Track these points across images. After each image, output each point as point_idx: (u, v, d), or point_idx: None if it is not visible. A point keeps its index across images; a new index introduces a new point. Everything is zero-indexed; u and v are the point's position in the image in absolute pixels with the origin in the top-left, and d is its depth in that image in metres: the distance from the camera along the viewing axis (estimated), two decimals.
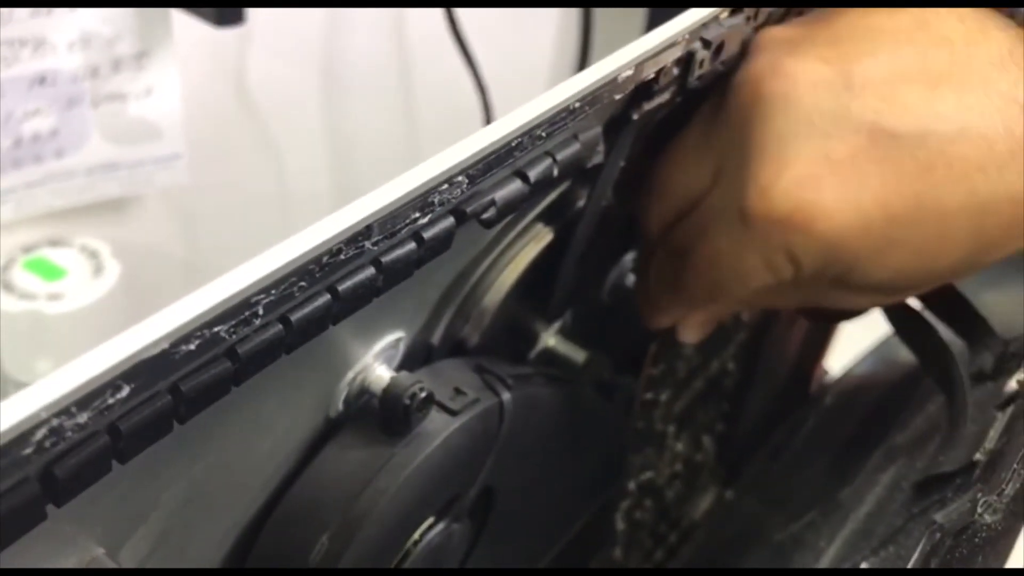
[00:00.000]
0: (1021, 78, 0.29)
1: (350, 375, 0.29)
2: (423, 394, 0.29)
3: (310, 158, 0.69)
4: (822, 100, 0.30)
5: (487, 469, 0.32)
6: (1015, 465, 0.26)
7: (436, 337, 0.32)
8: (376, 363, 0.29)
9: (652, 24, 0.75)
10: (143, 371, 0.17)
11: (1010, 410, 0.30)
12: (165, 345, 0.17)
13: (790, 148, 0.30)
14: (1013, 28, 0.31)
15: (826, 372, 0.58)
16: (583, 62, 0.75)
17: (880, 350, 0.62)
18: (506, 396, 0.32)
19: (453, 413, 0.30)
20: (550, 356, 0.38)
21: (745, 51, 0.32)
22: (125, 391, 0.17)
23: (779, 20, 0.33)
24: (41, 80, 0.54)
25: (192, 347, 0.18)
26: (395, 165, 0.78)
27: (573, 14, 0.75)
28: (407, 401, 0.28)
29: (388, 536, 0.30)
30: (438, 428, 0.30)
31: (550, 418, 0.35)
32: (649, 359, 0.41)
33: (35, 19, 0.52)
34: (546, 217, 0.32)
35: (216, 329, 0.18)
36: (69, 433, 0.16)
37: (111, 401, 0.17)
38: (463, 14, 0.67)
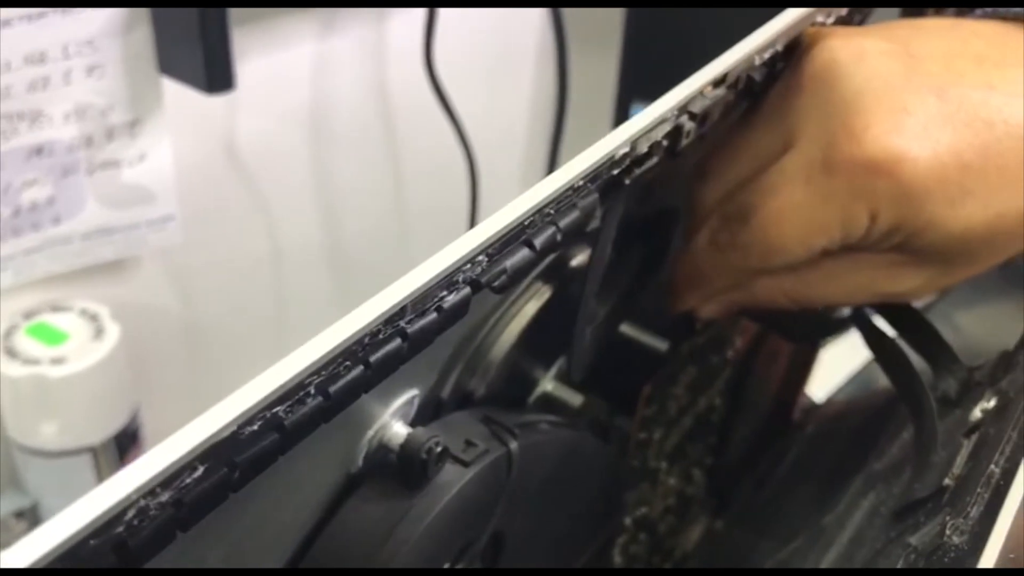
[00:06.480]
0: None
1: (370, 433, 0.30)
2: (439, 448, 0.30)
3: (299, 214, 0.71)
4: (892, 64, 0.34)
5: (497, 515, 0.34)
6: (978, 489, 0.28)
7: (446, 391, 0.34)
8: (393, 420, 0.31)
9: (627, 56, 0.78)
10: (215, 452, 0.19)
11: (974, 438, 0.32)
12: (234, 428, 0.19)
13: (873, 101, 0.33)
14: None
15: (809, 398, 0.59)
16: (560, 120, 0.77)
17: (859, 377, 0.64)
18: (513, 445, 0.33)
19: (466, 464, 0.32)
20: (548, 400, 0.40)
21: (803, 42, 0.36)
22: (200, 470, 0.19)
23: (760, 89, 0.35)
24: (38, 151, 0.56)
25: (256, 427, 0.20)
26: (382, 219, 0.80)
27: (549, 63, 0.78)
28: (424, 456, 0.30)
29: None
30: (453, 479, 0.31)
31: (553, 462, 0.37)
32: (643, 400, 0.43)
33: (32, 94, 0.54)
34: (544, 276, 0.35)
35: (276, 410, 0.20)
36: (153, 511, 0.18)
37: (188, 481, 0.19)
38: (442, 67, 0.69)
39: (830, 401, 0.60)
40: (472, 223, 0.74)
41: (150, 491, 0.18)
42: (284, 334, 0.73)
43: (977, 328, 0.66)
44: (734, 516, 0.56)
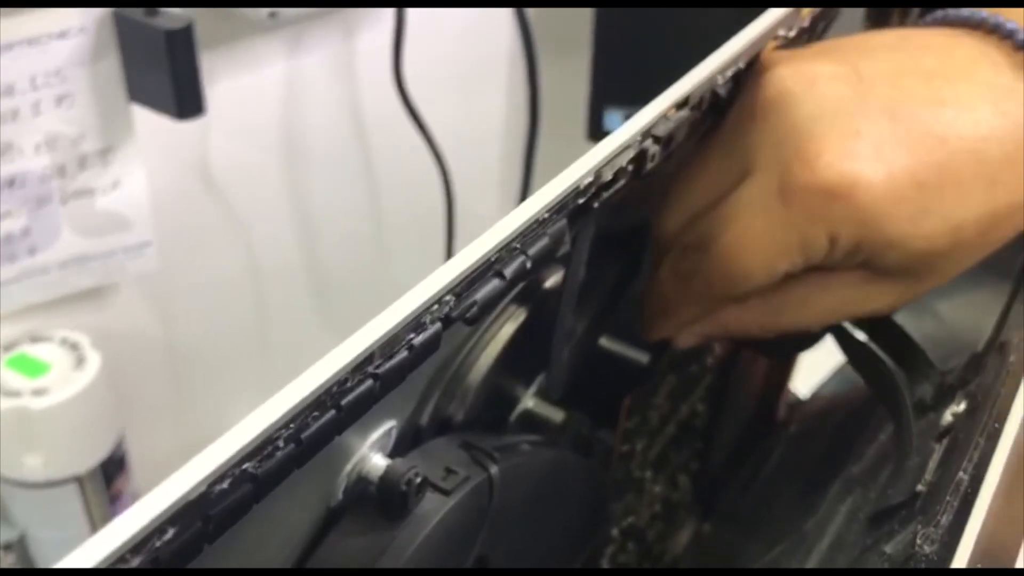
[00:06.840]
0: (998, 70, 0.34)
1: (348, 467, 0.30)
2: (418, 479, 0.30)
3: (276, 233, 0.71)
4: (842, 88, 0.34)
5: (480, 540, 0.34)
6: (947, 497, 0.28)
7: (424, 419, 0.34)
8: (371, 452, 0.31)
9: (598, 61, 0.78)
10: (185, 513, 0.19)
11: (945, 442, 0.33)
12: (203, 488, 0.19)
13: (825, 127, 0.33)
14: (979, 36, 0.35)
15: (794, 395, 0.59)
16: (533, 127, 0.77)
17: (844, 371, 0.64)
18: (494, 469, 0.33)
19: (446, 493, 0.32)
20: (530, 417, 0.40)
21: (756, 68, 0.36)
22: (170, 533, 0.19)
23: (726, 104, 0.35)
24: (11, 183, 0.55)
25: (225, 485, 0.20)
26: (358, 234, 0.80)
27: (519, 71, 0.78)
28: (404, 487, 0.30)
29: None
30: (433, 509, 0.31)
31: (535, 482, 0.37)
32: (623, 413, 0.43)
33: (1, 126, 0.54)
34: (519, 299, 0.35)
35: (245, 466, 0.20)
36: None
37: (158, 544, 0.19)
38: (412, 80, 0.69)
39: (815, 396, 0.60)
40: (448, 234, 0.74)
41: (120, 558, 0.18)
42: (266, 353, 0.73)
43: (958, 316, 0.67)
44: (721, 518, 0.56)
